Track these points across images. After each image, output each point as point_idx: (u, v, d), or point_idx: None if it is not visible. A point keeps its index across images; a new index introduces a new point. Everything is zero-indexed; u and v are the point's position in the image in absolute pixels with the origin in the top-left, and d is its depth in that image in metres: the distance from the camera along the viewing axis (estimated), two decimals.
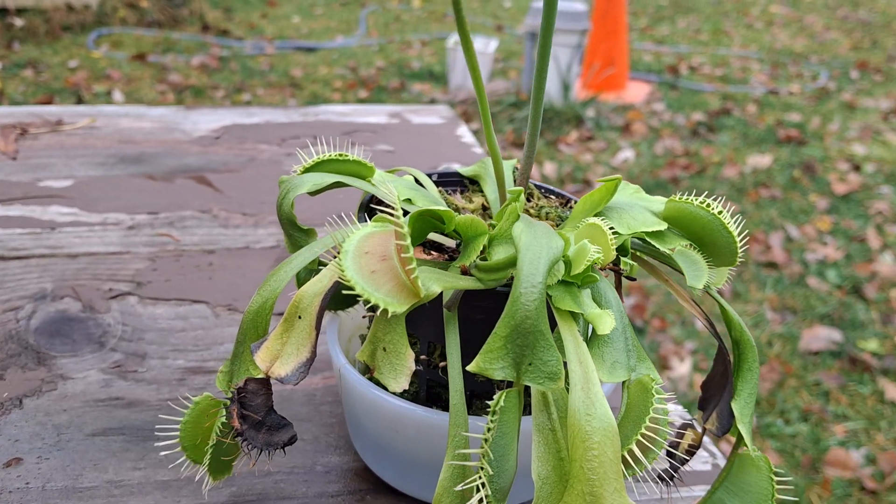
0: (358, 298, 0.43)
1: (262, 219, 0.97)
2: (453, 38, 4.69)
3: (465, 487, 0.40)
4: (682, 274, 0.51)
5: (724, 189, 3.39)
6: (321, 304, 0.44)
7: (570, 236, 0.46)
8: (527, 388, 0.45)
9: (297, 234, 0.55)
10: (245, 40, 5.62)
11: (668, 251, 0.50)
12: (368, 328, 0.60)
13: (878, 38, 6.43)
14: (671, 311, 2.50)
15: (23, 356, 0.71)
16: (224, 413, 0.49)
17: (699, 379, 2.16)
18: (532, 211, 0.59)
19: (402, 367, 0.42)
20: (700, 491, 0.61)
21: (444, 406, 0.54)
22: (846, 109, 4.56)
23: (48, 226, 0.93)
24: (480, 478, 0.39)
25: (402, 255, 0.39)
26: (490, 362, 0.40)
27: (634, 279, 0.52)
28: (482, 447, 0.39)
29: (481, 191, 0.62)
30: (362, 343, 0.62)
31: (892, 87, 5.04)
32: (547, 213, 0.58)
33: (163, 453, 0.56)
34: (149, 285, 0.82)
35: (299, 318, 0.44)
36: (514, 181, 0.58)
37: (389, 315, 0.39)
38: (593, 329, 0.45)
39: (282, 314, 0.45)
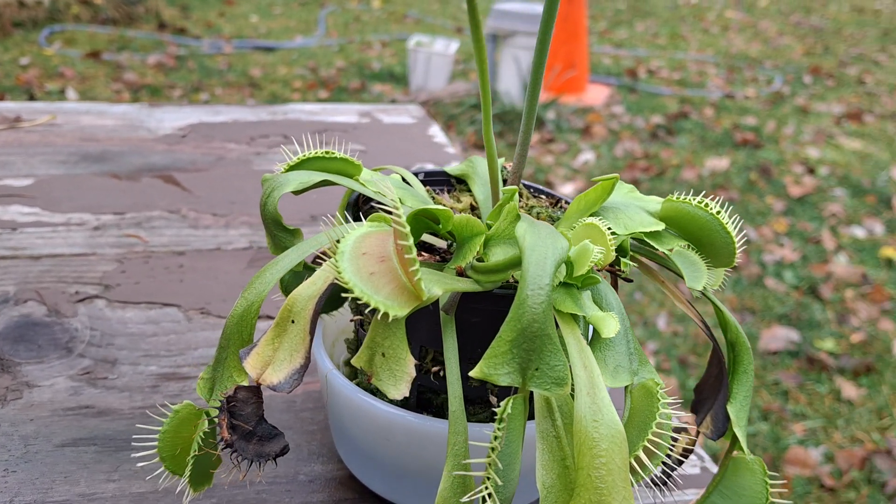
0: (358, 302, 0.41)
1: (233, 219, 0.95)
2: (414, 39, 4.67)
3: (471, 499, 0.38)
4: (678, 275, 0.50)
5: (682, 191, 3.42)
6: (315, 307, 0.42)
7: (569, 237, 0.45)
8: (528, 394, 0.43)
9: (281, 235, 0.53)
10: (202, 39, 5.54)
11: (666, 252, 0.49)
12: (354, 332, 0.58)
13: (830, 43, 6.57)
14: (633, 312, 2.52)
15: None
16: (206, 422, 0.46)
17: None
18: (522, 211, 0.57)
19: (402, 374, 0.40)
20: (691, 495, 0.61)
21: (435, 412, 0.52)
22: (800, 113, 4.65)
23: (9, 226, 0.89)
24: (487, 488, 0.37)
25: (406, 255, 0.37)
26: (495, 367, 0.38)
27: (631, 280, 0.51)
28: (489, 456, 0.37)
29: (469, 190, 0.61)
30: (347, 347, 0.60)
31: (844, 91, 5.15)
32: (538, 214, 0.57)
33: (140, 464, 0.53)
34: (117, 288, 0.79)
35: (292, 322, 0.42)
36: (505, 181, 0.57)
37: (391, 319, 0.38)
38: (593, 332, 0.44)
39: (268, 318, 0.44)
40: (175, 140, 1.17)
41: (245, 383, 0.44)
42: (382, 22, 6.69)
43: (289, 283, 0.56)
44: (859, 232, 3.13)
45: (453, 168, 0.61)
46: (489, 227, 0.47)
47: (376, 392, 0.53)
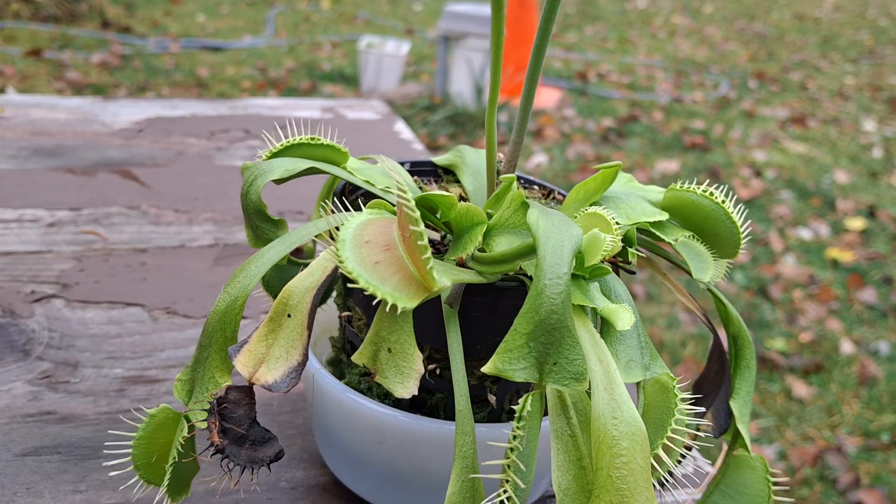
0: (362, 295, 0.38)
1: (196, 216, 0.90)
2: (365, 41, 4.63)
3: None
4: (681, 266, 0.49)
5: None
6: (313, 300, 0.39)
7: None
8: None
9: (264, 226, 0.50)
10: (148, 38, 5.40)
11: (671, 243, 0.47)
12: (340, 330, 0.55)
13: (774, 49, 6.72)
14: None
15: None
16: (186, 427, 0.43)
17: None
18: None
19: (410, 371, 0.38)
20: (684, 494, 0.59)
21: (429, 412, 0.50)
22: (746, 118, 4.73)
23: None
24: (506, 491, 0.35)
25: (418, 242, 0.35)
26: (510, 363, 0.36)
27: (635, 272, 0.49)
28: (507, 457, 0.35)
29: (457, 181, 0.59)
30: (332, 346, 0.57)
31: (788, 96, 5.27)
32: None
33: (111, 473, 0.50)
34: (76, 287, 0.75)
35: (288, 316, 0.39)
36: (498, 171, 0.55)
37: (399, 311, 0.35)
38: (602, 325, 0.42)
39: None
40: (132, 134, 1.12)
41: (228, 384, 0.41)
42: (332, 23, 6.63)
43: (270, 278, 0.53)
44: (805, 233, 3.20)
45: (441, 158, 0.59)
46: (489, 216, 0.45)
47: (366, 393, 0.50)
